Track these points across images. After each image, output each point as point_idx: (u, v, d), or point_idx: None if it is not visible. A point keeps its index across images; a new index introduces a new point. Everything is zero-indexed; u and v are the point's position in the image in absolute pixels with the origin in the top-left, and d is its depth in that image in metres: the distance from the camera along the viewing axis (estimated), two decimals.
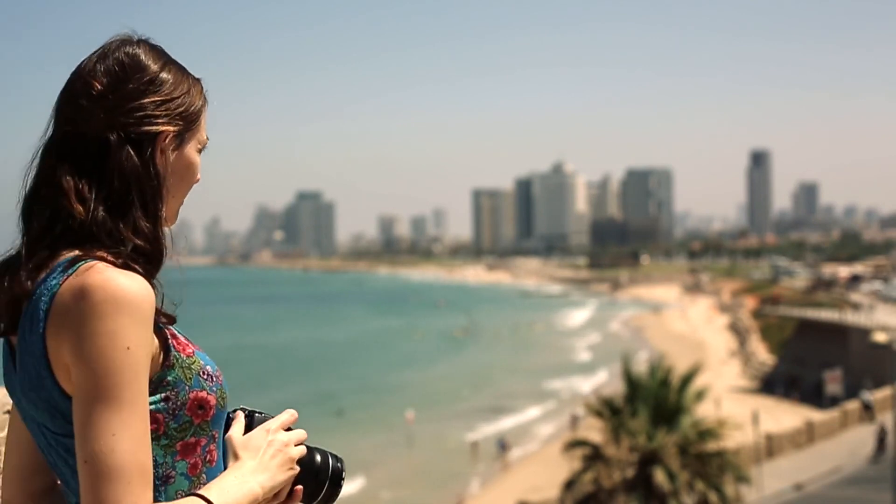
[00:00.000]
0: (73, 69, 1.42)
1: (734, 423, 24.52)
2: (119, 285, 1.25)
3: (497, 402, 51.08)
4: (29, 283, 1.32)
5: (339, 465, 1.55)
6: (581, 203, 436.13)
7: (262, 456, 1.43)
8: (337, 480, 1.53)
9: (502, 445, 39.45)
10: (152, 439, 1.30)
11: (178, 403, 1.34)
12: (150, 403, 1.30)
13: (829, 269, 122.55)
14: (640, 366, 32.44)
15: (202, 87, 1.49)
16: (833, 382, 42.68)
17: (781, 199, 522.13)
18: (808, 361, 51.88)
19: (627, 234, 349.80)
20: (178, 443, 1.35)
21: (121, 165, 1.36)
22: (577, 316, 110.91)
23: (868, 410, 36.91)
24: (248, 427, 1.49)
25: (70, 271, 1.28)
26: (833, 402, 40.33)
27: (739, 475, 22.63)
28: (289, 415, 1.52)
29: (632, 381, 23.52)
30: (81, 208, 1.33)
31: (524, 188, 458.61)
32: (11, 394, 1.41)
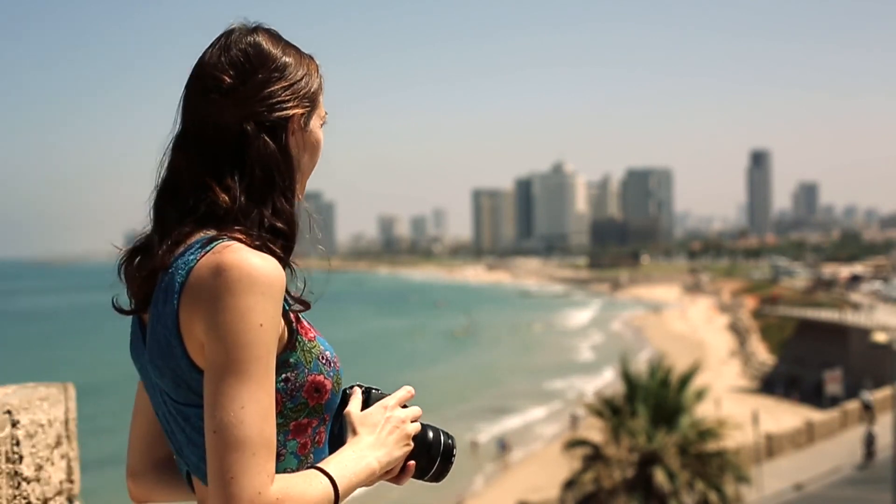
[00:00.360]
0: (196, 63, 1.46)
1: (734, 423, 24.49)
2: (253, 265, 1.30)
3: (497, 402, 51.08)
4: (166, 257, 1.37)
5: (450, 441, 1.59)
6: (581, 203, 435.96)
7: (380, 432, 1.48)
8: (448, 456, 1.58)
9: (503, 445, 39.45)
10: None
11: (297, 385, 1.40)
12: None
13: (829, 269, 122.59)
14: (640, 366, 32.42)
15: (317, 65, 1.54)
16: (833, 382, 42.64)
17: (781, 199, 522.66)
18: (808, 361, 51.87)
19: (627, 234, 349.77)
20: (292, 423, 1.41)
21: (260, 153, 1.40)
22: (577, 316, 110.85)
23: (868, 410, 36.86)
24: (366, 403, 1.54)
25: (208, 248, 1.33)
26: (833, 402, 40.30)
27: (739, 475, 22.61)
28: (405, 391, 1.57)
29: (631, 381, 23.51)
30: (227, 197, 1.38)
31: (524, 188, 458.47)
32: (137, 361, 1.48)
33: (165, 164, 1.46)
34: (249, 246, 1.34)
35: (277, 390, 1.37)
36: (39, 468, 2.35)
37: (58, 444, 2.46)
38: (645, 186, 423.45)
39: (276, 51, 1.46)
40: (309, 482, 1.34)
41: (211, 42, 1.48)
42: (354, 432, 1.48)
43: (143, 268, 1.42)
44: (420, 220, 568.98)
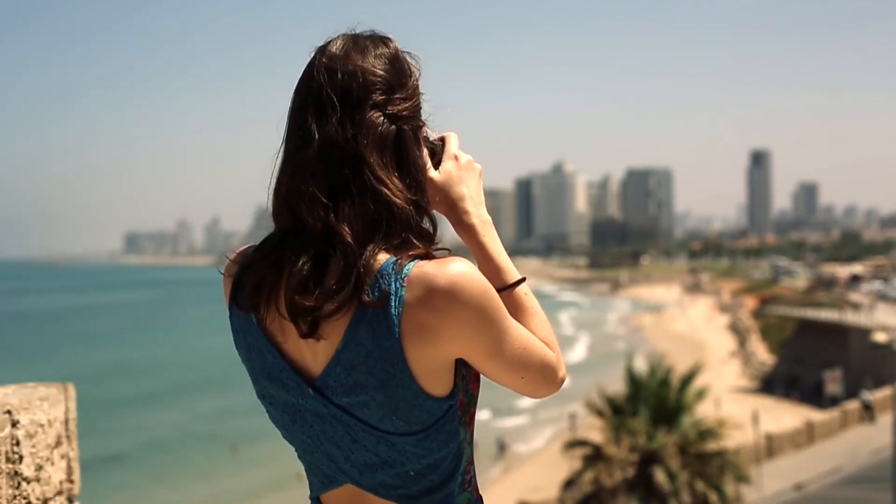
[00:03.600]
0: (335, 61, 1.42)
1: (734, 423, 24.49)
2: (463, 272, 1.33)
3: (496, 401, 51.05)
4: (362, 288, 1.32)
5: None
6: (581, 203, 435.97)
7: (469, 190, 1.56)
8: None
9: (502, 445, 39.40)
10: (459, 423, 1.41)
11: (468, 378, 1.43)
12: (454, 386, 1.40)
13: (829, 269, 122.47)
14: (640, 366, 32.40)
15: None
16: (833, 382, 42.67)
17: (781, 199, 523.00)
18: (808, 361, 51.88)
19: (627, 234, 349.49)
20: (468, 414, 1.45)
21: (416, 157, 1.46)
22: (575, 315, 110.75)
23: (868, 410, 36.92)
24: (432, 156, 1.56)
25: (403, 274, 1.32)
26: (833, 402, 40.34)
27: (739, 475, 22.62)
28: (455, 137, 1.60)
29: (634, 381, 23.50)
30: (402, 198, 1.38)
31: (524, 188, 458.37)
32: (285, 393, 1.42)
33: (308, 165, 1.38)
34: (429, 257, 1.36)
35: (459, 390, 1.41)
36: (39, 468, 2.34)
37: (58, 444, 2.46)
38: (645, 186, 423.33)
39: (411, 62, 1.50)
40: (530, 307, 1.52)
41: (338, 43, 1.44)
42: (460, 200, 1.54)
43: (331, 299, 1.32)
44: None
